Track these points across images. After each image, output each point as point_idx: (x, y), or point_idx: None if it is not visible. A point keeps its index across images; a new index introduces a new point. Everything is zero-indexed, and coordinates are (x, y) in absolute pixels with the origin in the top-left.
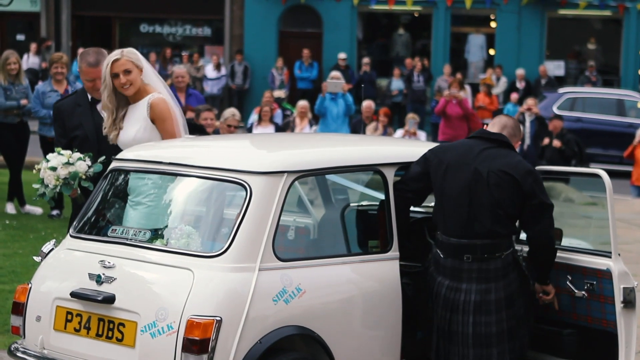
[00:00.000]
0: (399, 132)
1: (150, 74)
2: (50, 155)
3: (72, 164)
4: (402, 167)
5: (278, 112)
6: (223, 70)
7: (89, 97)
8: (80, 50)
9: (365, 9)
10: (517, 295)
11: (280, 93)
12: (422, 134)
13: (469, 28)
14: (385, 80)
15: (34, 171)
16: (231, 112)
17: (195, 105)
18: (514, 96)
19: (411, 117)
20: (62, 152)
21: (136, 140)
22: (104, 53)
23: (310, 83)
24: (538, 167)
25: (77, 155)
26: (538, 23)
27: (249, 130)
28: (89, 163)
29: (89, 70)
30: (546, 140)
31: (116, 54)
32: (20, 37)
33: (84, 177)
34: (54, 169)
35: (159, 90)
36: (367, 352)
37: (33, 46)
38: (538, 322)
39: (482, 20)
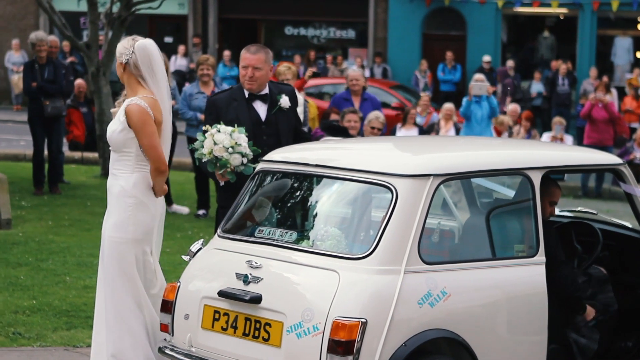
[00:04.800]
0: (545, 136)
1: (147, 70)
2: (223, 129)
3: (231, 153)
4: (549, 172)
5: (434, 115)
6: (367, 73)
7: (246, 93)
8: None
9: (510, 11)
10: None
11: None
12: (568, 138)
13: (616, 30)
14: (527, 82)
15: (204, 128)
16: (375, 115)
17: (370, 111)
18: None
19: (558, 122)
20: (234, 135)
21: (111, 139)
22: (268, 50)
23: (453, 86)
24: None
25: (242, 143)
26: None
27: (393, 132)
28: (244, 161)
29: (245, 55)
30: None
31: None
32: (169, 39)
33: (230, 169)
34: (215, 143)
35: (152, 89)
36: (512, 358)
37: (181, 48)
38: None
39: (629, 23)
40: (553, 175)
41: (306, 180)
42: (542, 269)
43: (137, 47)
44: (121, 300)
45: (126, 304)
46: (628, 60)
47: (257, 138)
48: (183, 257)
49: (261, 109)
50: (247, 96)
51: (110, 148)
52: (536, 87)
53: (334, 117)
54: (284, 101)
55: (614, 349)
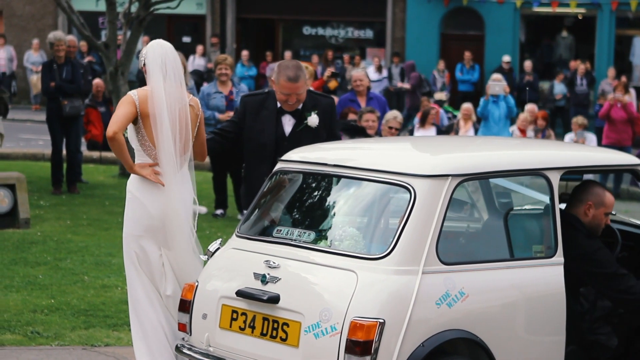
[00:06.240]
0: (568, 137)
1: (151, 67)
2: None
3: None
4: (568, 172)
5: (442, 114)
6: (384, 73)
7: (278, 104)
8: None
9: (528, 11)
10: None
11: (441, 95)
12: (592, 138)
13: (634, 30)
14: (547, 83)
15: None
16: (392, 115)
17: (377, 109)
18: None
19: (579, 127)
20: None
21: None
22: (302, 68)
23: (471, 86)
24: None
25: None
26: None
27: (411, 132)
28: None
29: (287, 84)
30: None
31: None
32: (187, 39)
33: None
34: None
35: (152, 84)
36: (530, 358)
37: (199, 48)
38: None
39: None
40: (571, 176)
41: (324, 180)
42: (561, 270)
43: (146, 47)
44: (134, 292)
45: (139, 297)
46: None
47: (279, 154)
48: (201, 256)
49: (288, 123)
50: (278, 107)
51: None
52: (559, 88)
53: (351, 117)
54: (312, 120)
55: (633, 349)
